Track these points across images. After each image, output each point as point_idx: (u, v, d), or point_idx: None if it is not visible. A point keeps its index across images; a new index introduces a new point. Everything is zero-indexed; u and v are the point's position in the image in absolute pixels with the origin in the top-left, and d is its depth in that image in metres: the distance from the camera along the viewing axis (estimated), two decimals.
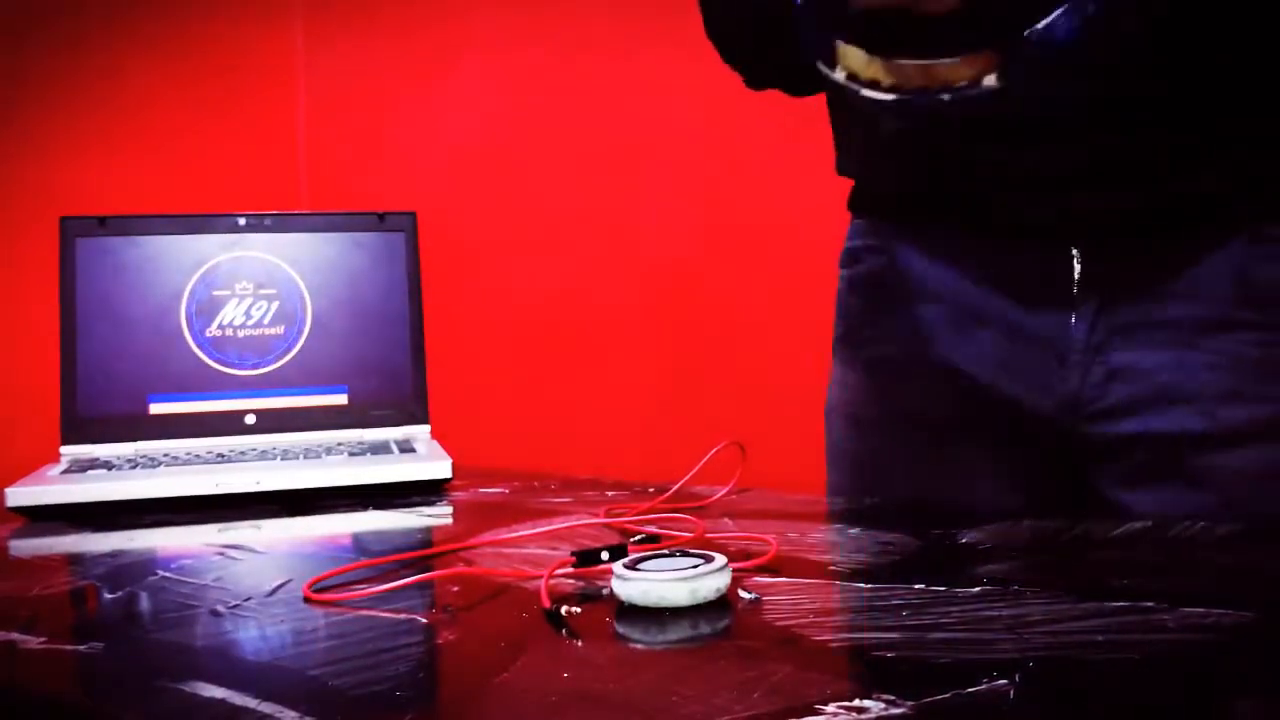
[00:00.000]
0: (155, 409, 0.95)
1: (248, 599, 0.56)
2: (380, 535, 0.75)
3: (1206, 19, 0.65)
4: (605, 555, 0.56)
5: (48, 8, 1.87)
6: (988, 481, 0.80)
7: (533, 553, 0.63)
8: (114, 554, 0.69)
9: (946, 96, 0.57)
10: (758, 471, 0.81)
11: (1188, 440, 0.73)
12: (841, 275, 0.89)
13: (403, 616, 0.52)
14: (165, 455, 0.91)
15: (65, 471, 0.87)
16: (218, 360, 0.97)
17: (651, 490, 0.81)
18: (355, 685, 0.42)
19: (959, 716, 0.38)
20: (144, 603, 0.56)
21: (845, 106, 0.85)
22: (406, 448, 0.93)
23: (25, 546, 0.74)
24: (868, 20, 0.58)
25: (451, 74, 2.01)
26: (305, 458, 0.89)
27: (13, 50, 1.86)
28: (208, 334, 0.97)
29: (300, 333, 0.98)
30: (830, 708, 0.38)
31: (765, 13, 0.78)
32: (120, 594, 0.58)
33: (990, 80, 0.57)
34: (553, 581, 0.55)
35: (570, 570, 0.57)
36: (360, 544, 0.73)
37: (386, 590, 0.55)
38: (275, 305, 0.98)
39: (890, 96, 0.58)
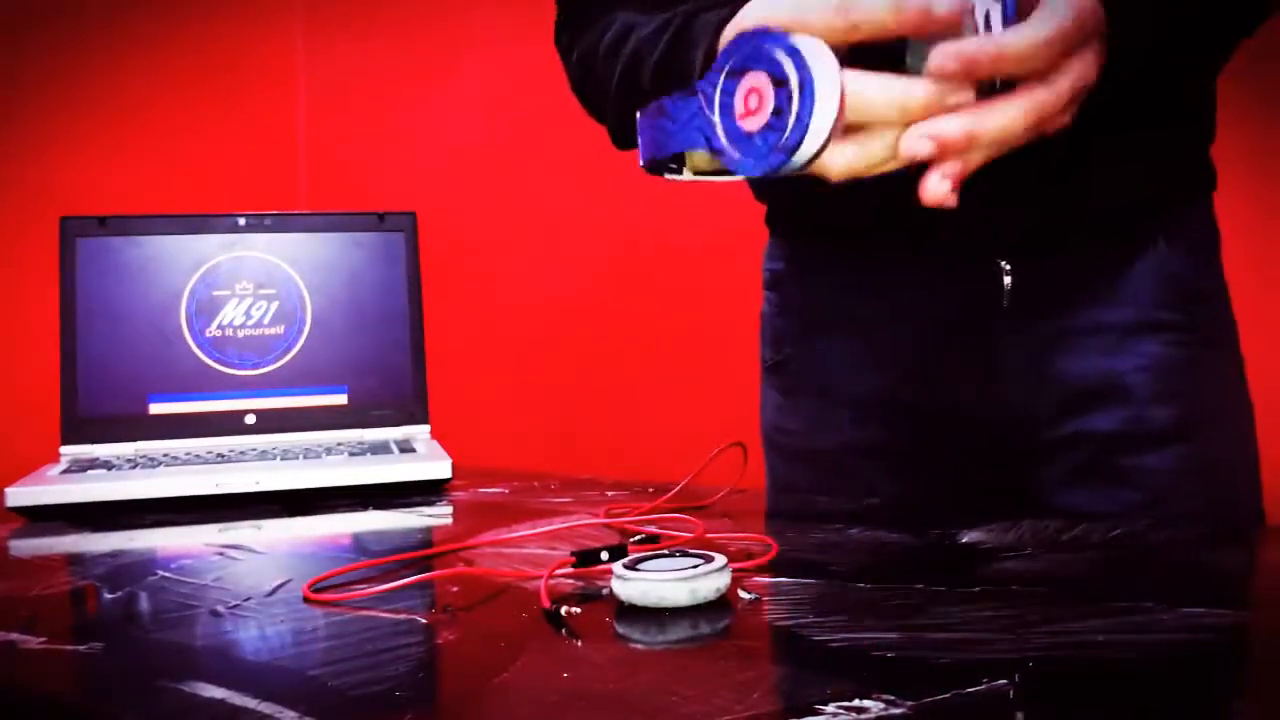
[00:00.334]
0: (155, 409, 0.95)
1: (247, 599, 0.56)
2: (380, 535, 0.75)
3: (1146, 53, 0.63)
4: (605, 555, 0.56)
5: (48, 8, 1.87)
6: (930, 494, 0.81)
7: (533, 553, 0.63)
8: (114, 554, 0.69)
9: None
10: (758, 471, 0.81)
11: (1118, 441, 0.74)
12: (767, 298, 0.88)
13: (402, 616, 0.52)
14: (165, 455, 0.91)
15: (65, 471, 0.87)
16: (218, 360, 0.97)
17: (651, 490, 0.81)
18: (355, 685, 0.42)
19: (959, 716, 0.38)
20: (144, 603, 0.56)
21: None
22: (406, 448, 0.93)
23: (25, 546, 0.74)
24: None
25: (451, 74, 2.01)
26: (305, 458, 0.89)
27: (13, 50, 1.86)
28: (208, 334, 0.97)
29: (300, 333, 0.98)
30: (830, 708, 0.38)
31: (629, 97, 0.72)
32: (120, 594, 0.58)
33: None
34: (553, 581, 0.55)
35: (570, 570, 0.57)
36: (360, 544, 0.73)
37: (386, 590, 0.55)
38: (275, 305, 0.98)
39: (748, 175, 0.55)
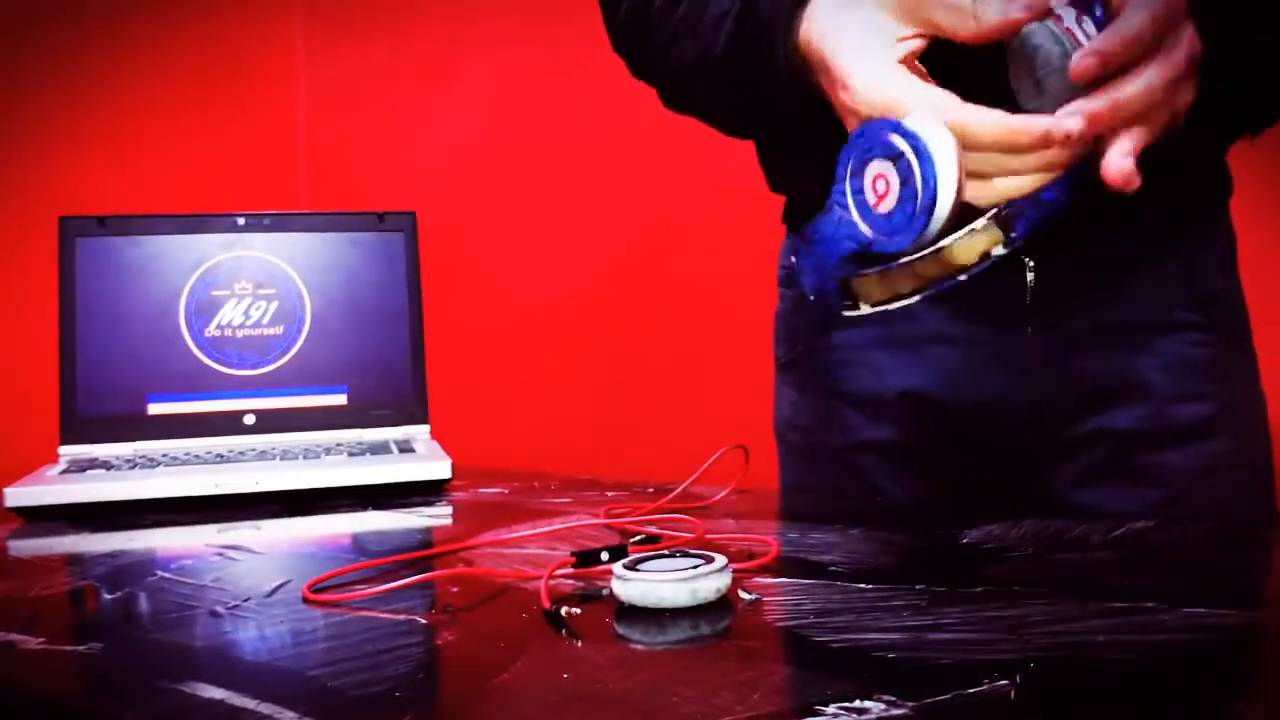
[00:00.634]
0: (154, 409, 0.95)
1: (247, 599, 0.56)
2: (380, 535, 0.75)
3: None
4: (605, 556, 0.56)
5: (48, 8, 1.87)
6: (943, 494, 0.80)
7: (533, 553, 0.63)
8: (113, 554, 0.69)
9: (963, 277, 0.58)
10: (758, 472, 0.81)
11: (1140, 439, 0.74)
12: (783, 295, 0.88)
13: (402, 617, 0.52)
14: (164, 455, 0.91)
15: (64, 472, 0.87)
16: (217, 360, 0.97)
17: (651, 491, 0.81)
18: (354, 686, 0.42)
19: (960, 717, 0.38)
20: (143, 603, 0.56)
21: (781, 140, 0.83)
22: (406, 448, 0.93)
23: (25, 546, 0.74)
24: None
25: (451, 74, 2.01)
26: (305, 458, 0.89)
27: (13, 50, 1.86)
28: (207, 334, 0.97)
29: (299, 333, 0.98)
30: (830, 708, 0.38)
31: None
32: (120, 594, 0.58)
33: (998, 250, 0.58)
34: (552, 582, 0.55)
35: (570, 571, 0.56)
36: (360, 544, 0.73)
37: (386, 591, 0.55)
38: (274, 305, 0.98)
39: (916, 299, 0.59)
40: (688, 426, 1.79)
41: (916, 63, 0.60)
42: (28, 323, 1.41)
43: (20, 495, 0.80)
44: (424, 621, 0.51)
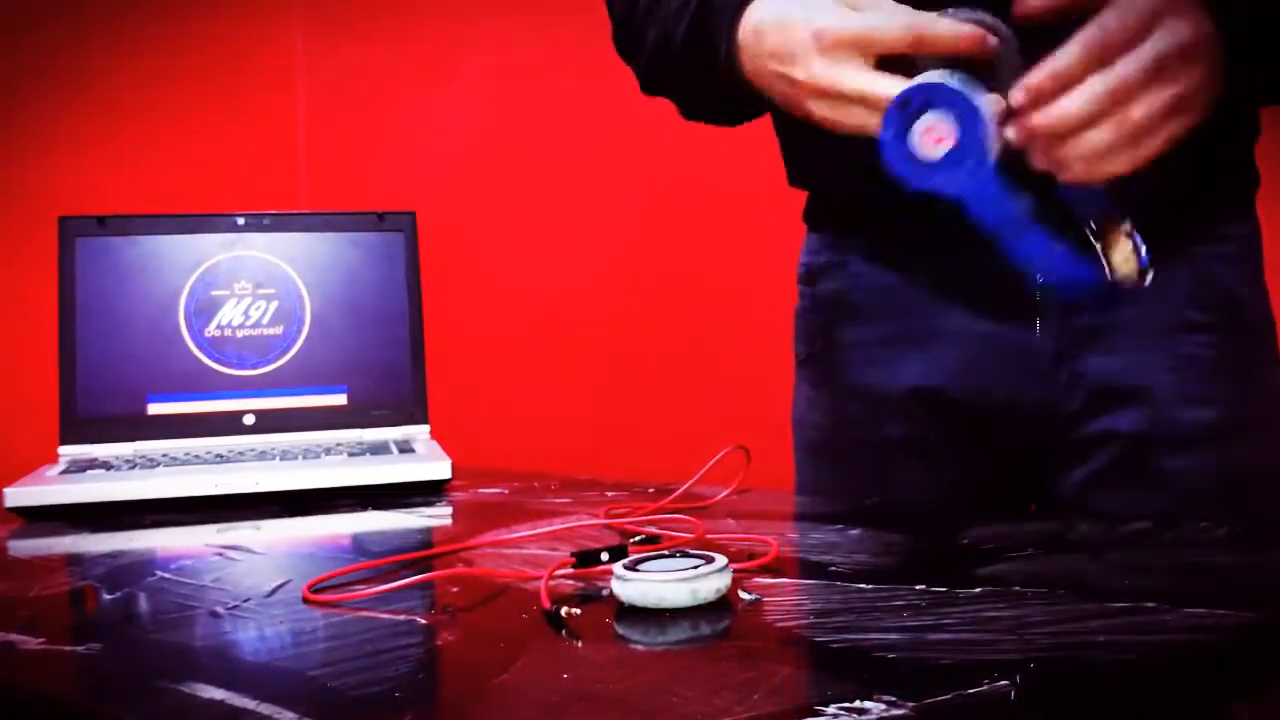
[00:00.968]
0: (154, 409, 0.95)
1: (247, 600, 0.56)
2: (380, 536, 0.75)
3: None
4: (605, 556, 0.56)
5: (48, 8, 1.87)
6: (953, 492, 0.80)
7: (533, 553, 0.63)
8: (113, 554, 0.69)
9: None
10: (759, 472, 0.81)
11: (1147, 442, 0.73)
12: (803, 293, 0.88)
13: (402, 617, 0.52)
14: (164, 455, 0.91)
15: (64, 472, 0.87)
16: (217, 360, 0.97)
17: (652, 491, 0.81)
18: (354, 686, 0.42)
19: (960, 717, 0.38)
20: (143, 603, 0.56)
21: (798, 126, 0.84)
22: (406, 448, 0.93)
23: (24, 547, 0.74)
24: None
25: (451, 74, 2.00)
26: (304, 458, 0.89)
27: (13, 50, 1.86)
28: (207, 334, 0.97)
29: (299, 333, 0.98)
30: (831, 708, 0.38)
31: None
32: (119, 594, 0.58)
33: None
34: (552, 582, 0.55)
35: (570, 571, 0.56)
36: (360, 544, 0.73)
37: (386, 591, 0.55)
38: (274, 305, 0.98)
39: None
40: (688, 426, 1.79)
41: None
42: (28, 323, 1.41)
43: (20, 495, 0.80)
44: (424, 621, 0.51)
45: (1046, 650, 0.44)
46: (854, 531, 0.67)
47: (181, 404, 0.95)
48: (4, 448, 1.21)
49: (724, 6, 0.68)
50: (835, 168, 0.80)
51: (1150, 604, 0.49)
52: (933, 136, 0.59)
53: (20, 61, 1.87)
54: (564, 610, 0.50)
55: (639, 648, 0.47)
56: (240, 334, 0.97)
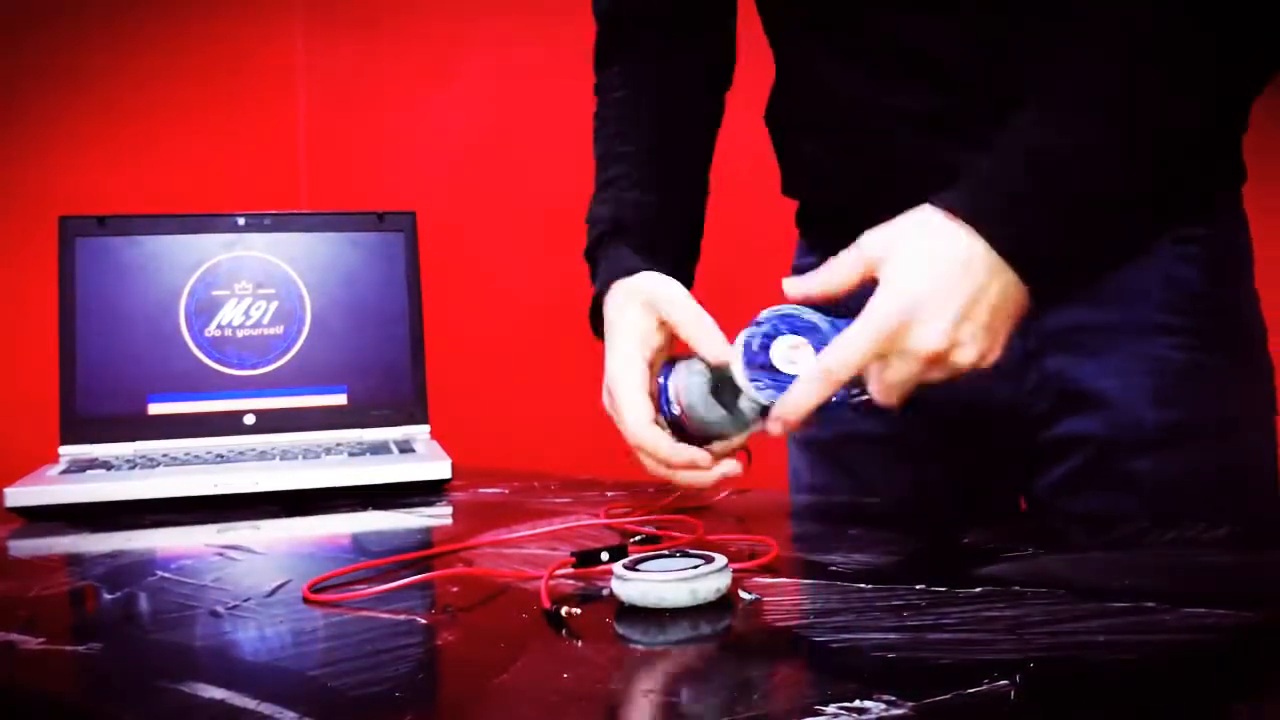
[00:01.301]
0: (154, 409, 0.95)
1: (247, 599, 0.56)
2: (380, 535, 0.75)
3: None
4: (605, 556, 0.56)
5: (48, 8, 1.87)
6: (935, 495, 0.80)
7: (533, 553, 0.63)
8: (113, 554, 0.69)
9: None
10: (759, 472, 0.81)
11: (1116, 444, 0.73)
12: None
13: (402, 617, 0.52)
14: (164, 455, 0.91)
15: (64, 472, 0.87)
16: (217, 360, 0.97)
17: (652, 491, 0.81)
18: (354, 686, 0.42)
19: (960, 717, 0.38)
20: (143, 603, 0.56)
21: (790, 127, 0.85)
22: (406, 448, 0.93)
23: (24, 547, 0.74)
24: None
25: (451, 74, 2.00)
26: (305, 458, 0.89)
27: (13, 50, 1.86)
28: (207, 334, 0.97)
29: (299, 333, 0.98)
30: (830, 708, 0.38)
31: None
32: (119, 594, 0.58)
33: None
34: (553, 582, 0.55)
35: (570, 571, 0.56)
36: (360, 544, 0.73)
37: (386, 591, 0.55)
38: (274, 305, 0.98)
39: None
40: None
41: None
42: (28, 323, 1.41)
43: (20, 495, 0.80)
44: (424, 621, 0.51)
45: (1046, 650, 0.44)
46: (853, 531, 0.67)
47: (181, 404, 0.95)
48: (4, 448, 1.21)
49: (601, 269, 0.77)
50: (831, 177, 0.81)
51: (1150, 604, 0.49)
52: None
53: (20, 61, 1.86)
54: (564, 610, 0.50)
55: (639, 648, 0.47)
56: (240, 334, 0.97)
